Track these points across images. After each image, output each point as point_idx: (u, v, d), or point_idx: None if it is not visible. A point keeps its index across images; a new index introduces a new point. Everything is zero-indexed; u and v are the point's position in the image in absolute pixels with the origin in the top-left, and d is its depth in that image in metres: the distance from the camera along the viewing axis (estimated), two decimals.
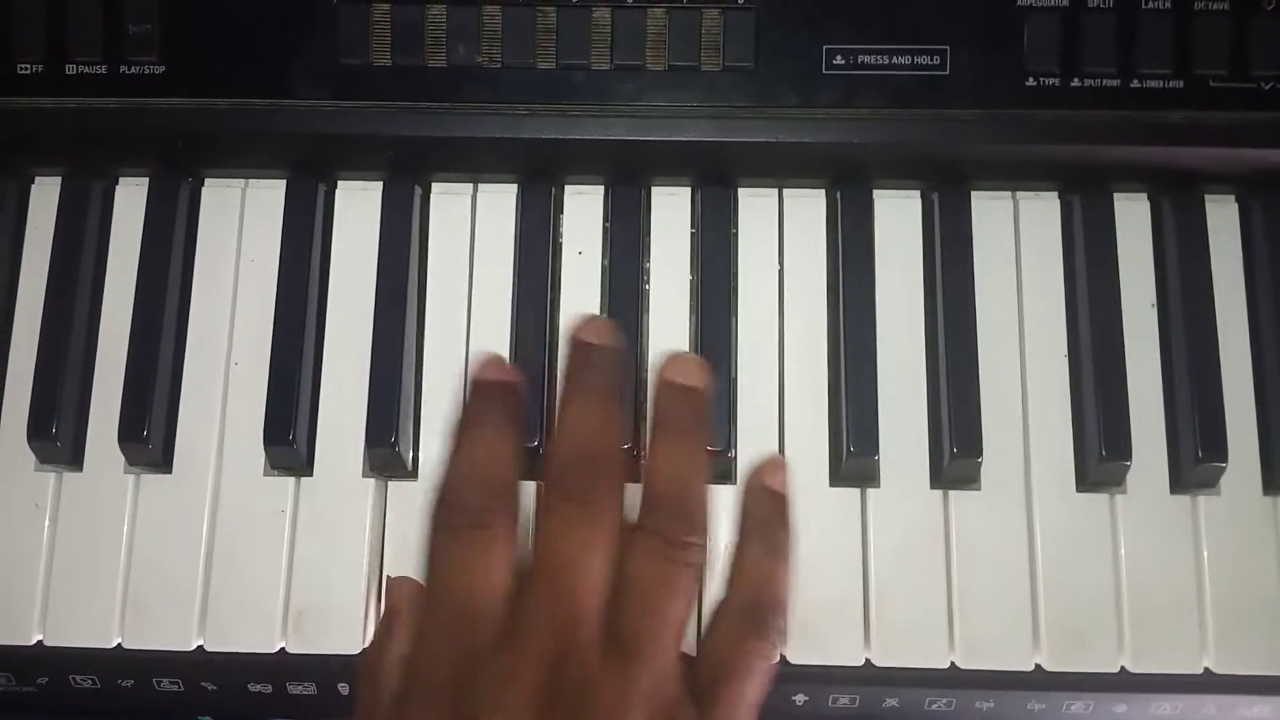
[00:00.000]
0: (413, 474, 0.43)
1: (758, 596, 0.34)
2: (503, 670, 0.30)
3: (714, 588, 0.35)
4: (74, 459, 0.43)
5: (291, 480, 0.43)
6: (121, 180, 0.46)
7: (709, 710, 0.32)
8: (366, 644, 0.42)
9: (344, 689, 0.43)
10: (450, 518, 0.33)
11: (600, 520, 0.32)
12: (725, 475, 0.42)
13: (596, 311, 0.44)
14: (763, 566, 0.35)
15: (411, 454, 0.43)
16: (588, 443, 0.33)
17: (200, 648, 0.42)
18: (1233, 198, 0.44)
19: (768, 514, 0.36)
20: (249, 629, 0.42)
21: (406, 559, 0.42)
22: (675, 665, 0.32)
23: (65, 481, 0.43)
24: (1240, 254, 0.44)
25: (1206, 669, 0.41)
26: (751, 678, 0.33)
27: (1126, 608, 0.41)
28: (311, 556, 0.42)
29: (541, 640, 0.30)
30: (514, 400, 0.35)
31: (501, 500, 0.33)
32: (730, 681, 0.32)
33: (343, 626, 0.42)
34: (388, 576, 0.38)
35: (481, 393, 0.35)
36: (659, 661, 0.31)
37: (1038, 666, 0.41)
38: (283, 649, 0.42)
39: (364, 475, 0.43)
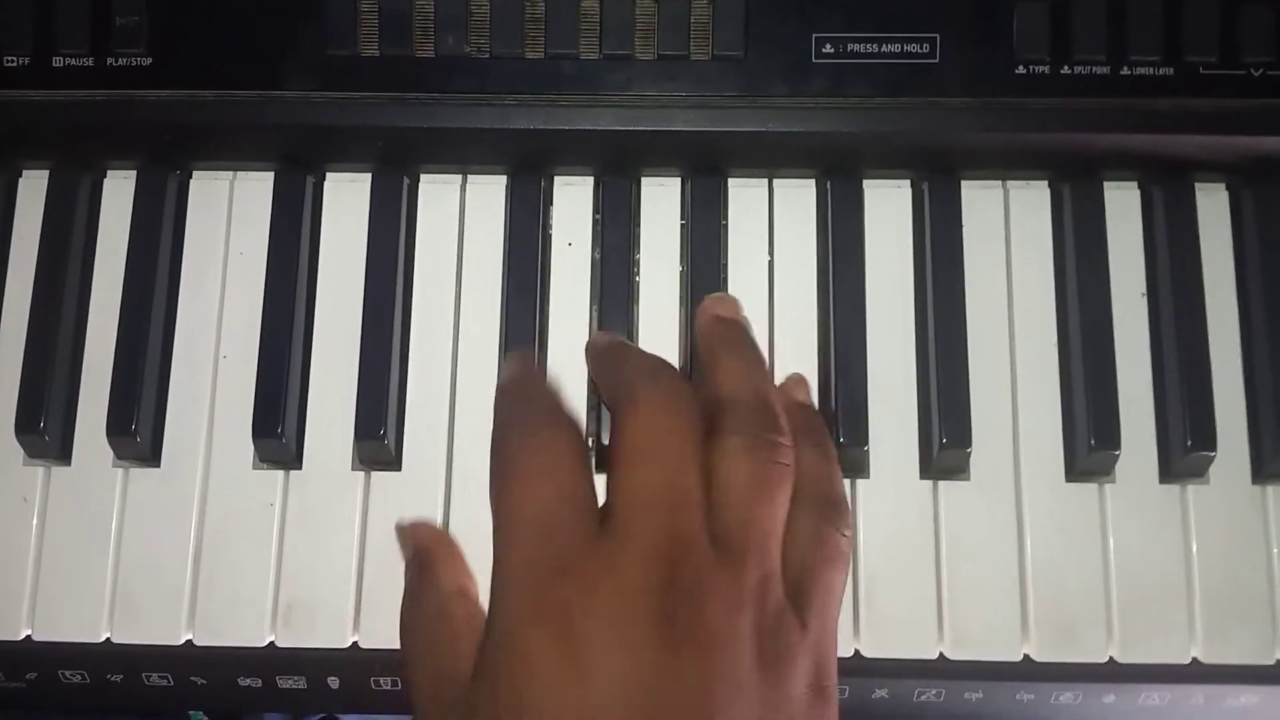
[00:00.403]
0: (398, 465, 0.43)
1: (822, 492, 0.34)
2: (605, 562, 0.28)
3: None
4: (62, 453, 0.43)
5: (280, 474, 0.43)
6: (109, 173, 0.46)
7: (804, 611, 0.31)
8: (354, 638, 0.42)
9: (334, 683, 0.43)
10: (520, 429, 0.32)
11: (686, 407, 0.31)
12: None
13: (587, 302, 0.44)
14: (819, 466, 0.34)
15: (398, 446, 0.43)
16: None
17: (189, 642, 0.42)
18: (1223, 186, 0.44)
19: (808, 421, 0.36)
20: (238, 623, 0.42)
21: (394, 552, 0.42)
22: (778, 569, 0.31)
23: (54, 476, 0.43)
24: (1231, 242, 0.44)
25: (1195, 659, 0.41)
26: (837, 567, 0.32)
27: (1115, 598, 0.41)
28: (300, 550, 0.42)
29: (647, 533, 0.29)
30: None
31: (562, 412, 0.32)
32: (819, 575, 0.32)
33: (332, 620, 0.41)
34: (402, 523, 0.36)
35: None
36: (765, 563, 0.30)
37: (1026, 657, 0.41)
38: (272, 643, 0.42)
39: (353, 469, 0.43)
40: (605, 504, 0.30)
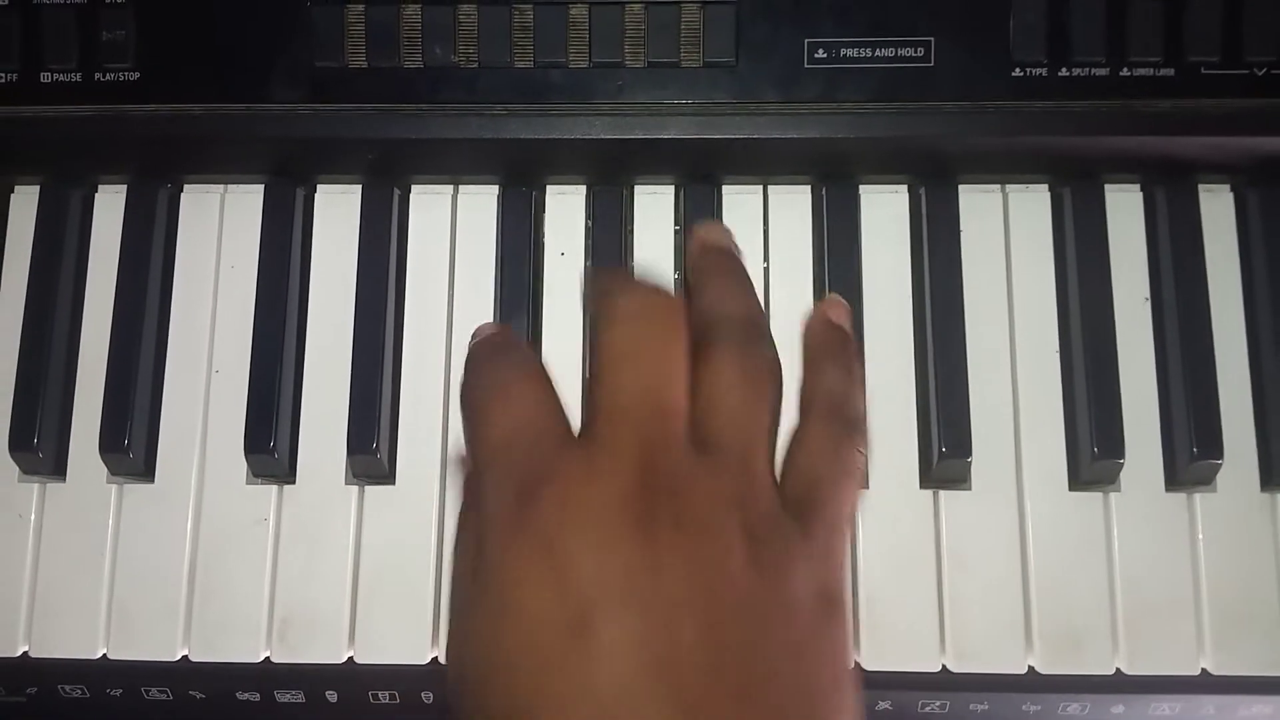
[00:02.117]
0: (392, 479, 0.42)
1: (841, 407, 0.33)
2: (580, 469, 0.28)
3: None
4: (56, 469, 0.43)
5: (274, 488, 0.42)
6: (100, 187, 0.46)
7: (809, 522, 0.30)
8: (350, 653, 0.41)
9: (332, 696, 0.43)
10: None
11: (670, 315, 0.30)
12: None
13: (580, 311, 0.43)
14: (842, 385, 0.33)
15: (390, 460, 0.42)
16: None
17: (185, 657, 0.42)
18: (1228, 187, 0.43)
19: (838, 343, 0.35)
20: (233, 639, 0.41)
21: (388, 565, 0.42)
22: (767, 475, 0.30)
23: (48, 492, 0.43)
24: (1236, 244, 0.43)
25: (1204, 670, 0.40)
26: (849, 482, 0.31)
27: (1121, 608, 0.40)
28: (295, 565, 0.42)
29: (621, 437, 0.28)
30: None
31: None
32: (827, 488, 0.31)
33: (327, 635, 0.41)
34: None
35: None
36: (751, 467, 0.29)
37: (1031, 669, 0.40)
38: (268, 658, 0.42)
39: (347, 482, 0.42)
40: (583, 415, 0.29)
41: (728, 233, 0.36)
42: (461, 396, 0.32)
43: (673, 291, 0.31)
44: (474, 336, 0.34)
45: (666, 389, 0.29)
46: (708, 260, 0.35)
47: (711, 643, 0.27)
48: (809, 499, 0.30)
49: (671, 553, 0.27)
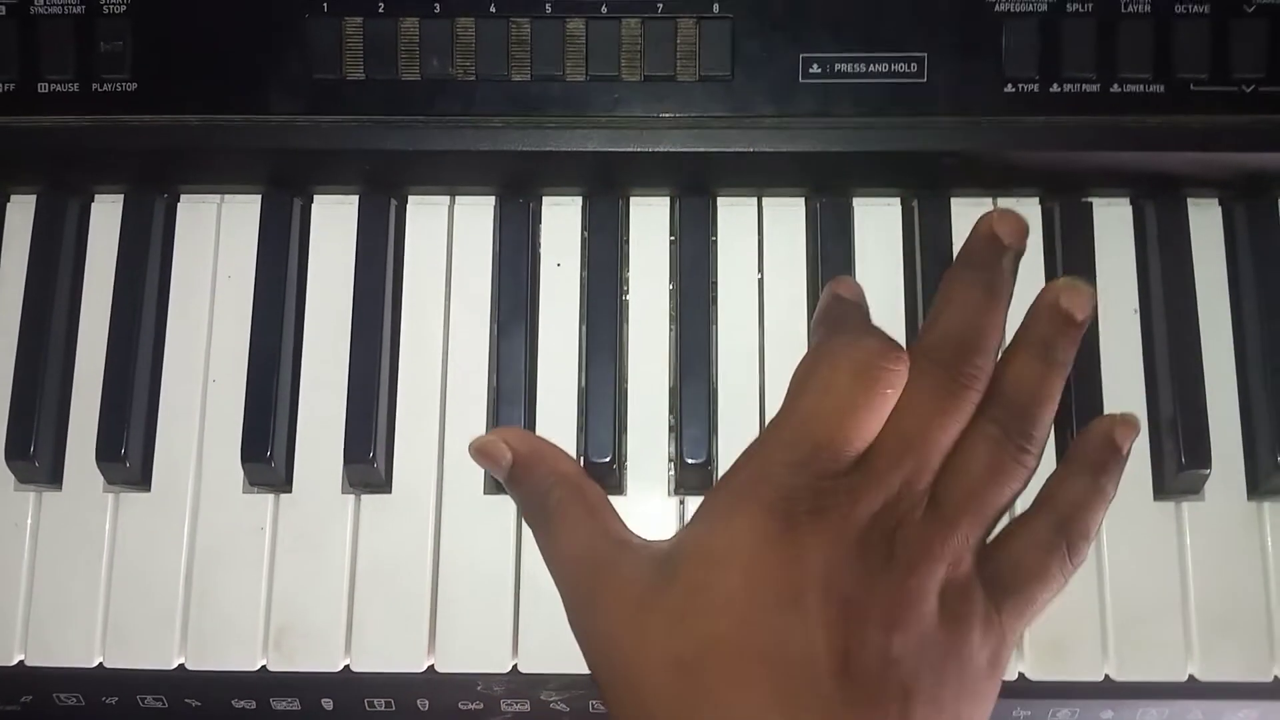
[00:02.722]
0: (388, 488, 0.43)
1: (1073, 518, 0.37)
2: (845, 492, 0.34)
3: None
4: (53, 478, 0.43)
5: (271, 497, 0.43)
6: (97, 197, 0.46)
7: (1001, 602, 0.35)
8: (346, 661, 0.42)
9: (328, 704, 0.43)
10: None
11: (968, 404, 0.36)
12: (707, 484, 0.42)
13: (576, 322, 0.44)
14: (1089, 501, 0.37)
15: (387, 469, 0.43)
16: (976, 328, 0.37)
17: (182, 666, 0.42)
18: (1216, 201, 0.44)
19: (1103, 457, 0.38)
20: (230, 647, 0.42)
21: (384, 574, 0.42)
22: (976, 546, 0.35)
23: (45, 501, 0.43)
24: (1224, 257, 0.43)
25: (1191, 676, 0.41)
26: (1049, 587, 0.36)
27: (1110, 616, 0.41)
28: (291, 574, 0.42)
29: (885, 484, 0.34)
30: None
31: (983, 362, 0.37)
32: (1029, 583, 0.36)
33: (323, 644, 0.41)
34: (487, 438, 0.41)
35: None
36: (968, 536, 0.35)
37: (1021, 675, 0.41)
38: (264, 667, 0.42)
39: (343, 491, 0.43)
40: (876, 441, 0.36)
41: (1090, 299, 0.39)
42: (826, 330, 0.39)
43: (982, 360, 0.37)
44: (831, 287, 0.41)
45: (933, 461, 0.35)
46: (1041, 331, 0.38)
47: (888, 653, 0.32)
48: (1008, 583, 0.36)
49: (880, 577, 0.33)
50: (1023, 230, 0.39)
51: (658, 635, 0.33)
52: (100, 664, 0.42)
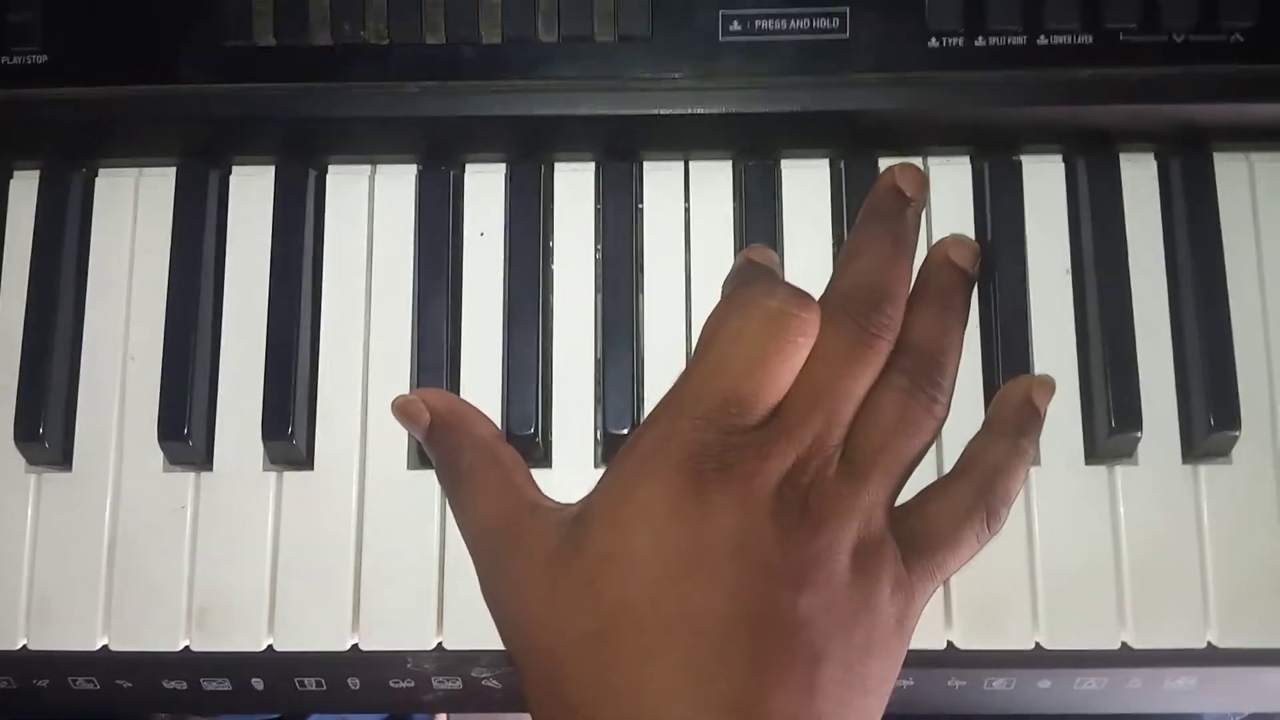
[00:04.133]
0: (310, 464, 0.42)
1: (993, 483, 0.36)
2: (754, 448, 0.33)
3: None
4: None
5: (191, 476, 0.42)
6: (15, 172, 0.45)
7: (911, 561, 0.35)
8: (269, 640, 0.41)
9: (258, 684, 0.43)
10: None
11: (878, 354, 0.36)
12: None
13: (500, 292, 0.43)
14: (1007, 460, 0.37)
15: (308, 445, 0.42)
16: (885, 280, 0.37)
17: (105, 647, 0.42)
18: (1150, 155, 0.43)
19: (1022, 420, 0.38)
20: (153, 628, 0.41)
21: (307, 552, 0.41)
22: (889, 501, 0.35)
23: None
24: (1159, 214, 0.42)
25: (1124, 644, 0.40)
26: (962, 551, 0.36)
27: (1041, 583, 0.40)
28: (213, 553, 0.41)
29: (796, 439, 0.34)
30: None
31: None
32: (942, 546, 0.35)
33: (246, 623, 0.41)
34: (407, 397, 0.40)
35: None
36: (881, 491, 0.35)
37: (950, 644, 0.40)
38: (187, 647, 0.41)
39: (264, 469, 0.42)
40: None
41: (977, 253, 0.40)
42: (735, 286, 0.37)
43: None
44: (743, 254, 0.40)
45: (844, 415, 0.35)
46: (939, 282, 0.39)
47: (796, 613, 0.32)
48: (921, 545, 0.35)
49: (791, 535, 0.33)
50: (923, 182, 0.40)
51: (566, 603, 0.33)
52: (24, 646, 0.42)
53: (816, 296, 0.41)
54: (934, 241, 0.41)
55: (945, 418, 0.37)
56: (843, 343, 0.35)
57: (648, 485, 0.33)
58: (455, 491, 0.38)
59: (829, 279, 0.39)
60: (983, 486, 0.36)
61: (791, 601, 0.32)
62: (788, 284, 0.36)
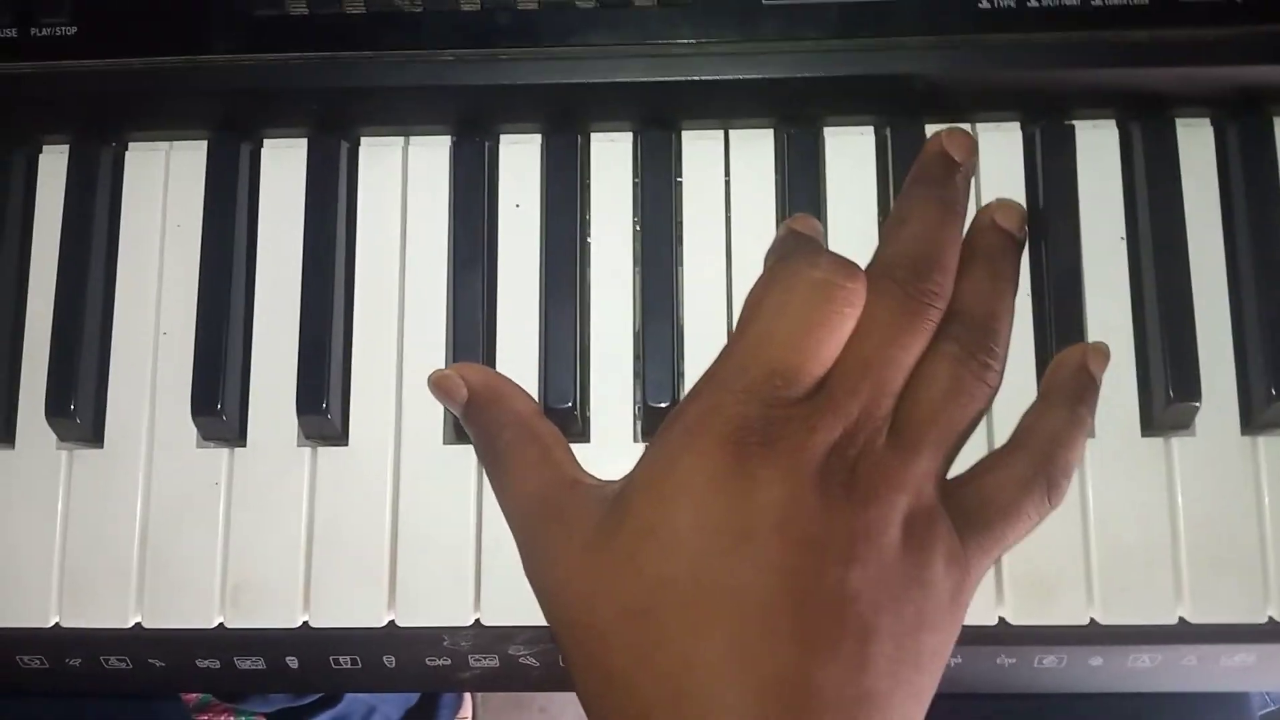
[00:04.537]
0: (345, 440, 0.41)
1: (1052, 453, 0.35)
2: (800, 420, 0.32)
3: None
4: (4, 437, 0.42)
5: (225, 451, 0.41)
6: (44, 148, 0.44)
7: (968, 537, 0.34)
8: (304, 617, 0.40)
9: (293, 663, 0.42)
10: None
11: (928, 322, 0.35)
12: None
13: (537, 265, 0.42)
14: (1066, 430, 0.36)
15: (343, 420, 0.41)
16: (933, 246, 0.36)
17: (138, 625, 0.41)
18: (1206, 120, 0.41)
19: (1078, 387, 0.37)
20: (186, 605, 0.41)
21: (342, 528, 0.41)
22: (941, 472, 0.34)
23: None
24: (1216, 180, 0.41)
25: (1181, 619, 0.39)
26: (1021, 525, 0.35)
27: (1095, 557, 0.39)
28: (247, 530, 0.41)
29: (843, 411, 0.33)
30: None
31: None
32: (999, 521, 0.34)
33: (281, 599, 0.40)
34: (443, 371, 0.39)
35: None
36: (932, 461, 0.34)
37: (1002, 620, 0.39)
38: (221, 624, 0.41)
39: (299, 445, 0.41)
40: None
41: (1024, 217, 0.39)
42: (778, 259, 0.36)
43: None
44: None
45: (893, 384, 0.34)
46: (989, 244, 0.37)
47: (845, 588, 0.31)
48: (977, 518, 0.34)
49: (839, 508, 0.32)
50: (972, 147, 0.39)
51: (608, 579, 0.32)
52: (56, 624, 0.41)
53: (863, 267, 0.41)
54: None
55: (998, 385, 0.36)
56: (890, 311, 0.34)
57: (690, 459, 0.33)
58: (494, 468, 0.37)
59: (877, 247, 0.38)
60: (1042, 457, 0.35)
61: (840, 576, 0.31)
62: (832, 253, 0.35)
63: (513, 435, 0.37)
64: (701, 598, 0.31)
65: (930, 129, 0.41)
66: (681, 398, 0.41)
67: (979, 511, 0.34)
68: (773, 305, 0.34)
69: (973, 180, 0.41)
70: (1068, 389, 0.37)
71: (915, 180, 0.38)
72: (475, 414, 0.38)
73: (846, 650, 0.30)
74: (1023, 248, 0.39)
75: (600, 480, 0.36)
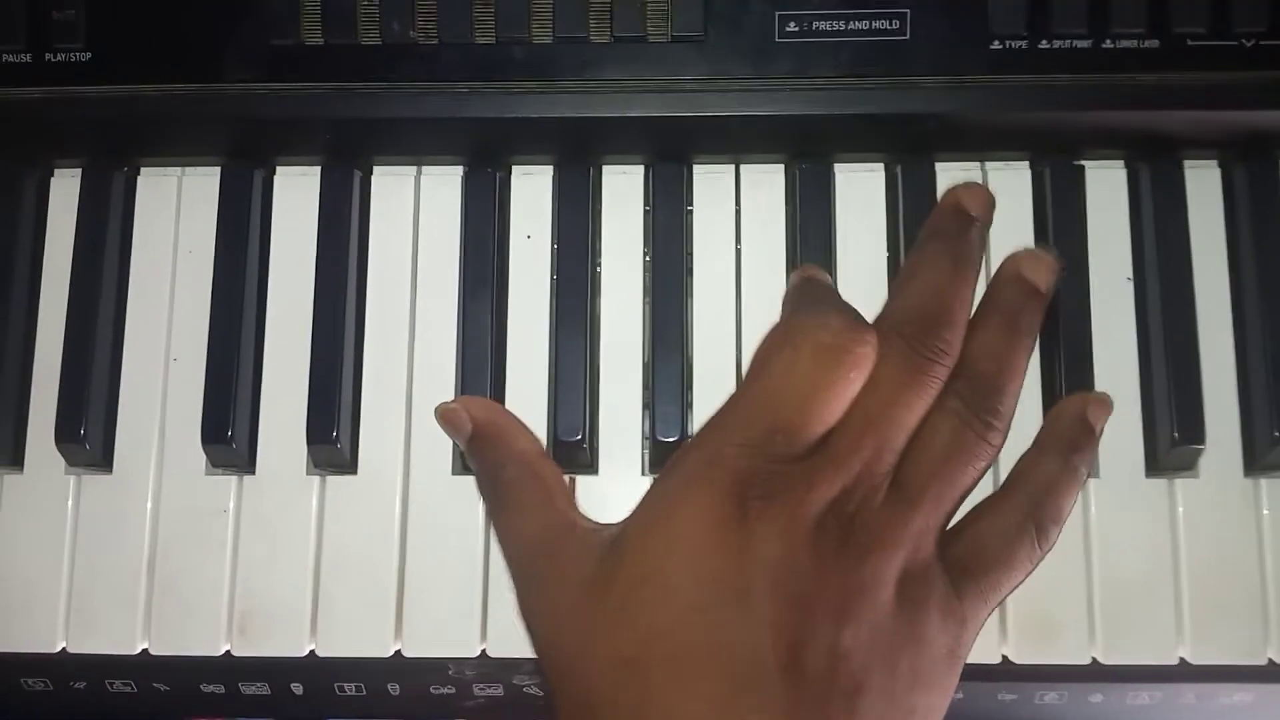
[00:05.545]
0: (354, 469, 0.41)
1: (1043, 501, 0.35)
2: (800, 477, 0.32)
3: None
4: (14, 461, 0.42)
5: (234, 479, 0.42)
6: (56, 171, 0.44)
7: (962, 585, 0.33)
8: (311, 646, 0.41)
9: (298, 689, 0.42)
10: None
11: (935, 380, 0.34)
12: None
13: (547, 296, 0.42)
14: (1061, 485, 0.35)
15: (352, 449, 0.41)
16: (942, 302, 0.35)
17: (145, 651, 0.41)
18: (1215, 162, 0.42)
19: (1076, 437, 0.36)
20: (193, 632, 0.41)
21: (350, 557, 0.41)
22: (939, 529, 0.34)
23: (5, 484, 0.42)
24: (1223, 222, 0.41)
25: (1182, 659, 0.39)
26: (1015, 573, 0.34)
27: (1098, 597, 0.39)
28: (255, 557, 0.41)
29: (844, 468, 0.32)
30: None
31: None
32: (993, 570, 0.34)
33: (288, 628, 0.40)
34: (448, 404, 0.39)
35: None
36: (930, 519, 0.33)
37: (1004, 658, 0.39)
38: (228, 651, 0.41)
39: (308, 473, 0.41)
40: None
41: (1052, 271, 0.37)
42: (790, 312, 0.36)
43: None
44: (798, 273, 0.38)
45: (895, 442, 0.33)
46: (1009, 297, 0.36)
47: (837, 646, 0.31)
48: (971, 568, 0.34)
49: (833, 565, 0.31)
50: (990, 203, 0.38)
51: (601, 628, 0.32)
52: (63, 649, 0.41)
53: (872, 305, 0.41)
54: (992, 253, 0.40)
55: (1001, 445, 0.35)
56: (896, 369, 0.34)
57: (688, 510, 0.32)
58: (494, 505, 0.37)
59: (886, 301, 0.38)
60: (1033, 504, 0.34)
61: (832, 634, 0.31)
62: (844, 312, 0.35)
63: (514, 474, 0.37)
64: (691, 651, 0.30)
65: (940, 166, 0.42)
66: (690, 432, 0.41)
67: (974, 560, 0.34)
68: (781, 364, 0.33)
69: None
70: (1065, 439, 0.36)
71: (929, 234, 0.38)
72: (478, 449, 0.38)
73: (835, 709, 0.30)
74: (1047, 301, 0.37)
75: (598, 524, 0.36)
